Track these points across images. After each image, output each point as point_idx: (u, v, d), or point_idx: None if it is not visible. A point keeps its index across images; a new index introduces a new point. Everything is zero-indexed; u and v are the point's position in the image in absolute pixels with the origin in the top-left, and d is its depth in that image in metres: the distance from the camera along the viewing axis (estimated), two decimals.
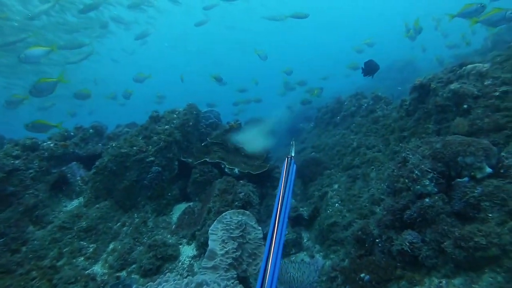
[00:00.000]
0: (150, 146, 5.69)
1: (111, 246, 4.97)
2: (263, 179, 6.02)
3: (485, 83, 3.79)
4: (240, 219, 4.11)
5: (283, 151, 11.58)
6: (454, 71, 4.34)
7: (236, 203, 4.65)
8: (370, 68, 5.78)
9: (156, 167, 5.55)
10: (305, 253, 5.22)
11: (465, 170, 3.04)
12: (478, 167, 2.96)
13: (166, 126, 6.10)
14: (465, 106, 3.77)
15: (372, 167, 5.28)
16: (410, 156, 3.47)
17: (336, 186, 5.71)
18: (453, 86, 3.90)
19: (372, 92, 7.65)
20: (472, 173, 3.01)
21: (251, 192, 5.00)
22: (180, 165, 6.01)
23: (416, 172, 3.22)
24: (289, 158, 3.22)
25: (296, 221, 5.74)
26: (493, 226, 2.65)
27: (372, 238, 3.75)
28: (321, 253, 4.99)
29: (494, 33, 11.41)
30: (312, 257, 5.02)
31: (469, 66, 3.99)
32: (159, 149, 5.68)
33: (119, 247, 4.83)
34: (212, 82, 11.32)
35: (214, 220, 4.21)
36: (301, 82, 14.32)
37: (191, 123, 6.55)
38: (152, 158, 5.57)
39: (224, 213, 4.23)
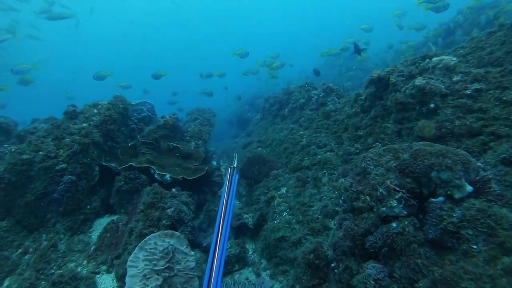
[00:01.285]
0: (61, 150, 4.63)
1: (5, 283, 3.90)
2: (201, 184, 5.22)
3: (454, 79, 3.26)
4: (167, 245, 3.30)
5: (229, 144, 10.87)
6: (417, 64, 3.79)
7: (164, 221, 3.80)
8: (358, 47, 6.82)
9: (69, 176, 4.52)
10: (250, 269, 4.54)
11: (440, 187, 2.47)
12: (456, 185, 2.39)
13: (84, 124, 5.06)
14: (432, 105, 3.22)
15: (324, 170, 4.67)
16: (372, 168, 2.86)
17: (283, 190, 5.06)
18: (418, 81, 3.32)
19: (323, 83, 7.04)
20: (449, 192, 2.43)
21: (184, 205, 4.19)
22: (102, 170, 5.01)
23: (380, 190, 2.60)
24: (232, 169, 3.36)
25: (239, 230, 5.02)
26: (482, 265, 2.08)
27: (327, 261, 3.13)
28: (268, 271, 4.33)
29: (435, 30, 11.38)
30: (258, 275, 4.36)
31: (435, 58, 3.44)
32: (72, 153, 4.64)
33: (15, 285, 3.79)
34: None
35: (136, 246, 3.37)
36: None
37: (116, 119, 5.52)
38: (63, 165, 4.53)
39: (148, 237, 3.39)
